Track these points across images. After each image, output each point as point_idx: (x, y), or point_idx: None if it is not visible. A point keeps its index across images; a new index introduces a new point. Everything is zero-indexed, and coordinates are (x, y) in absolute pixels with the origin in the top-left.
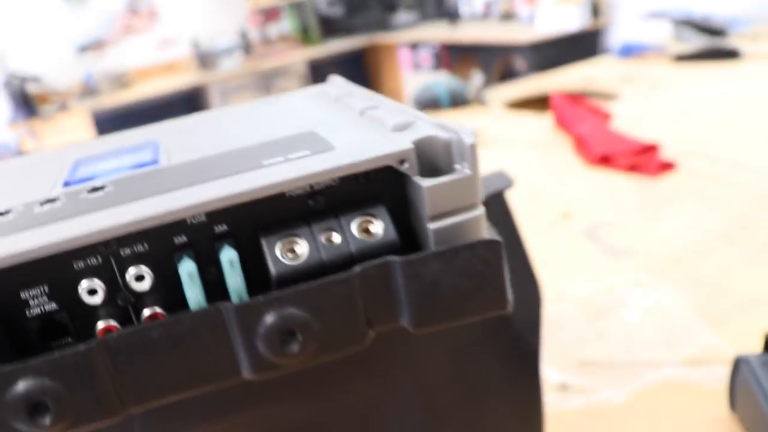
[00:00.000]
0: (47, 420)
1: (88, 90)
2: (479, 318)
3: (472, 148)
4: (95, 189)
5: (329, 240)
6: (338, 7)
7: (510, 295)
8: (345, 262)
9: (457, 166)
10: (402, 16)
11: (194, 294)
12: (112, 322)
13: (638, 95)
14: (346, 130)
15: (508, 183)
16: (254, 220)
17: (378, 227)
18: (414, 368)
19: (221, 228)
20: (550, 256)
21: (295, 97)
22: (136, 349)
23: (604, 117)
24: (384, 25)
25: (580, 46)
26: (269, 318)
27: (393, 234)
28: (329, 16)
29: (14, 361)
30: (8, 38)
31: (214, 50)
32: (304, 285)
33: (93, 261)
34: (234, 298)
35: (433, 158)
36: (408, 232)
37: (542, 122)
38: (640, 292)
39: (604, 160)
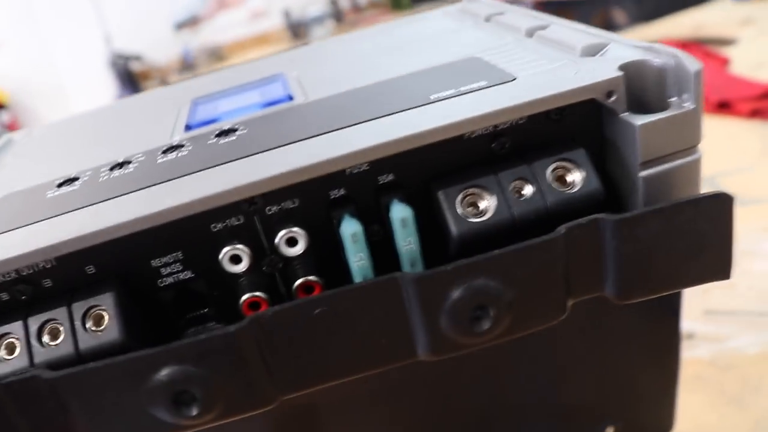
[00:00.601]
0: (193, 410)
1: (186, 65)
2: (694, 286)
3: (698, 75)
4: (224, 132)
5: (518, 192)
6: None
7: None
8: (540, 219)
9: (673, 100)
10: None
11: (359, 260)
12: (259, 294)
13: (761, 37)
14: (518, 55)
15: None
16: (426, 169)
17: (577, 176)
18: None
19: (387, 178)
20: None
21: (431, 18)
22: (294, 328)
23: (721, 62)
24: None
25: None
26: (457, 291)
27: (597, 184)
28: None
29: (153, 343)
30: (113, 21)
31: (305, 19)
32: (498, 251)
33: (234, 221)
34: (405, 264)
35: (640, 89)
36: (603, 182)
37: None
38: None
39: (723, 107)
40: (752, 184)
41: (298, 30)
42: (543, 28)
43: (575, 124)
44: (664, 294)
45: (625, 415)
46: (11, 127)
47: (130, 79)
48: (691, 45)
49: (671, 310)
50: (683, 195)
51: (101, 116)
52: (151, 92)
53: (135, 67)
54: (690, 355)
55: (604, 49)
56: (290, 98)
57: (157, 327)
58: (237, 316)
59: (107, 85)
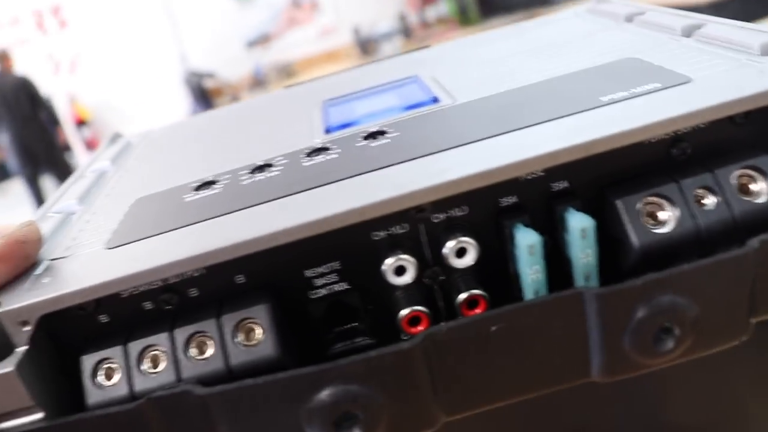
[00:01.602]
0: None
1: (257, 81)
2: None
3: None
4: (373, 135)
5: (700, 202)
6: None
7: None
8: (726, 231)
9: None
10: None
11: (534, 273)
12: (420, 308)
13: None
14: (683, 55)
15: None
16: (601, 175)
17: (763, 185)
18: None
19: (560, 185)
20: None
21: (563, 19)
22: (468, 346)
23: None
24: (544, 1)
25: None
26: (643, 309)
27: None
28: None
29: (301, 359)
30: (188, 40)
31: (374, 36)
32: (688, 265)
33: (398, 230)
34: (579, 278)
35: None
36: None
37: None
38: None
39: None
40: None
41: (367, 46)
42: (699, 26)
43: (759, 129)
44: None
45: None
46: (91, 144)
47: (203, 95)
48: None
49: None
50: None
51: (222, 119)
52: (270, 95)
53: (208, 84)
54: None
55: None
56: (435, 100)
57: (303, 342)
58: (389, 333)
59: (182, 101)
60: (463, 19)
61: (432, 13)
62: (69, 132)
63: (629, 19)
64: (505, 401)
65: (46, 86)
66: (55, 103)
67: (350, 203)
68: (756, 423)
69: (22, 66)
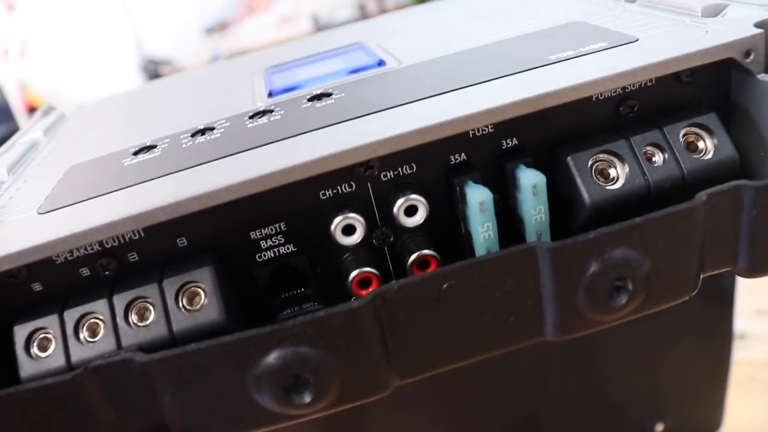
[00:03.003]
0: (305, 397)
1: None
2: None
3: None
4: (318, 96)
5: (649, 159)
6: None
7: None
8: (675, 188)
9: None
10: None
11: (485, 230)
12: (370, 270)
13: None
14: (628, 18)
15: None
16: (551, 133)
17: (709, 142)
18: None
19: (510, 142)
20: None
21: None
22: (420, 304)
23: None
24: None
25: None
26: (596, 263)
27: (732, 150)
28: None
29: (247, 325)
30: (143, 26)
31: (333, 24)
32: (640, 219)
33: (345, 188)
34: (531, 236)
35: None
36: None
37: None
38: None
39: None
40: None
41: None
42: None
43: (704, 88)
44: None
45: (675, 411)
46: None
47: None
48: None
49: (725, 306)
50: None
51: (162, 89)
52: (209, 66)
53: (165, 71)
54: (743, 355)
55: (725, 10)
56: (381, 63)
57: (248, 308)
58: (339, 297)
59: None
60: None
61: (391, 1)
62: (20, 120)
63: None
64: (458, 362)
65: None
66: (5, 89)
67: (294, 159)
68: (693, 390)
69: None
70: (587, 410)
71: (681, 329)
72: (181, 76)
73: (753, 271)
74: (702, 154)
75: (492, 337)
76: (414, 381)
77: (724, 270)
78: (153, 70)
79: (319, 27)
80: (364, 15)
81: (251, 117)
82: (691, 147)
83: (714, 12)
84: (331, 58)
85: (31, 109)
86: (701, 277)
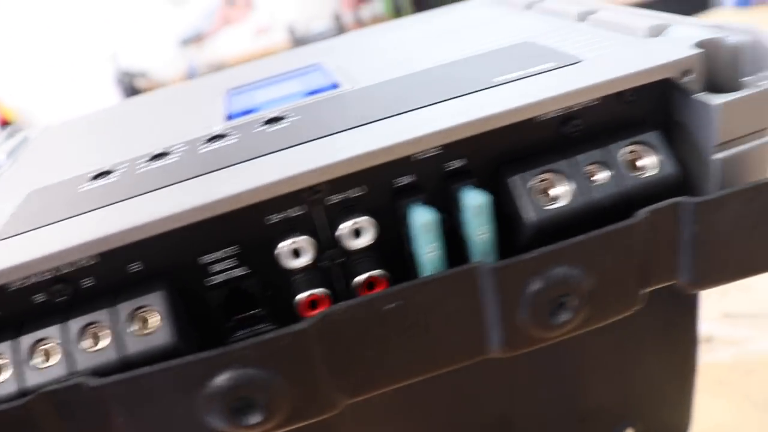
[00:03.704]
0: (253, 418)
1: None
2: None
3: None
4: (272, 120)
5: (591, 176)
6: None
7: None
8: (616, 205)
9: (747, 79)
10: None
11: (430, 251)
12: (318, 291)
13: None
14: (575, 38)
15: None
16: (495, 153)
17: (651, 159)
18: None
19: (455, 164)
20: None
21: (468, 8)
22: (365, 326)
23: None
24: None
25: (691, 2)
26: (537, 281)
27: (674, 167)
28: None
29: (200, 348)
30: (119, 39)
31: (309, 35)
32: (581, 237)
33: (293, 213)
34: (477, 256)
35: (713, 69)
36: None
37: None
38: None
39: None
40: None
41: (302, 45)
42: (593, 12)
43: (645, 107)
44: (730, 282)
45: (644, 416)
46: None
47: (136, 95)
48: None
49: (689, 311)
50: (756, 178)
51: (124, 111)
52: (175, 87)
53: (141, 83)
54: (710, 358)
55: (667, 29)
56: (335, 86)
57: (202, 330)
58: (291, 318)
59: (113, 101)
60: (398, 17)
61: (367, 12)
62: None
63: (529, 6)
64: (405, 381)
65: None
66: None
67: (242, 185)
68: (661, 394)
69: None
70: (558, 417)
71: (647, 335)
72: (148, 97)
73: (695, 285)
74: (645, 172)
75: (437, 355)
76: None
77: (667, 284)
78: (129, 83)
79: (295, 38)
80: (340, 26)
81: (207, 141)
82: (635, 164)
83: (657, 32)
84: (289, 80)
85: (5, 123)
86: (645, 291)
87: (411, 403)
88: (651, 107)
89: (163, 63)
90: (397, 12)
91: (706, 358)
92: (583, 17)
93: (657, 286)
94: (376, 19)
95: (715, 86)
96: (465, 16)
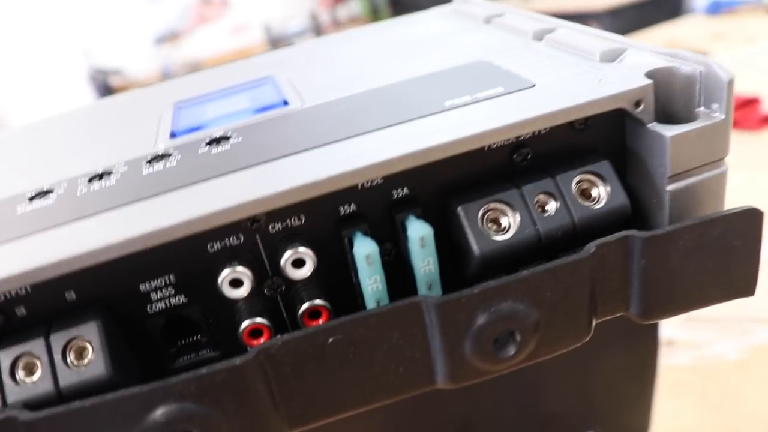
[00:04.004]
0: None
1: (166, 79)
2: (718, 303)
3: (730, 85)
4: (216, 141)
5: (542, 207)
6: None
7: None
8: (566, 236)
9: (701, 110)
10: None
11: (373, 282)
12: (260, 320)
13: (732, 50)
14: (531, 59)
15: None
16: (442, 182)
17: (602, 190)
18: None
19: (401, 192)
20: None
21: (426, 19)
22: (305, 359)
23: None
24: (449, 1)
25: (663, 8)
26: (483, 315)
27: (623, 198)
28: None
29: (140, 376)
30: (92, 36)
31: (286, 34)
32: (527, 272)
33: (233, 241)
34: (422, 287)
35: (666, 98)
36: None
37: None
38: None
39: None
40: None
41: (278, 44)
42: (551, 31)
43: (598, 135)
44: (681, 314)
45: (605, 420)
46: None
47: (110, 93)
48: None
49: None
50: (709, 210)
51: (75, 119)
52: (130, 93)
53: (115, 81)
54: (671, 361)
55: (623, 55)
56: (285, 103)
57: (144, 357)
58: (234, 344)
59: (87, 99)
60: (375, 18)
61: (344, 12)
62: None
63: (488, 20)
64: (348, 412)
65: None
66: None
67: (180, 216)
68: (622, 399)
69: None
70: (519, 422)
71: (609, 340)
72: (97, 106)
73: (645, 317)
74: (595, 202)
75: (382, 387)
76: None
77: (617, 315)
78: (102, 80)
79: (271, 37)
80: (316, 25)
81: (149, 162)
82: (585, 194)
83: (611, 57)
84: (240, 93)
85: None
86: (593, 323)
87: (374, 409)
88: (604, 135)
89: (137, 61)
90: (375, 12)
91: (667, 361)
92: (540, 36)
93: (606, 318)
94: (353, 20)
95: (669, 114)
96: (423, 28)
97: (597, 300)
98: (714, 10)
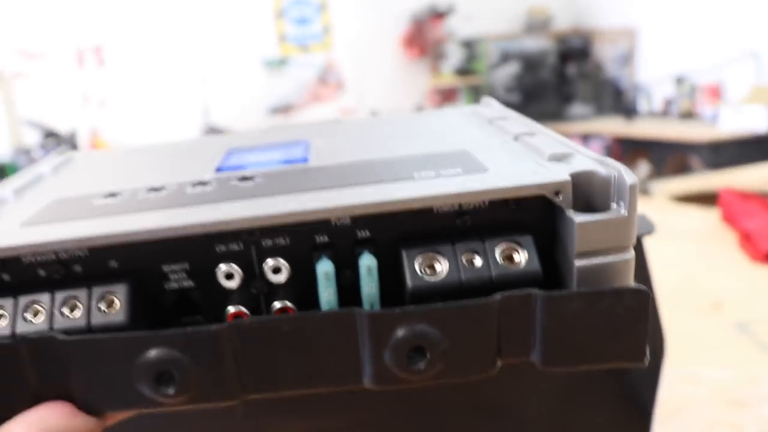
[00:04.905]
0: (171, 389)
1: None
2: (612, 366)
3: (633, 188)
4: (245, 178)
5: (470, 262)
6: (516, 94)
7: (647, 349)
8: (483, 286)
9: (613, 205)
10: (577, 108)
11: (327, 294)
12: (243, 309)
13: None
14: (499, 153)
15: (650, 228)
16: (398, 231)
17: (522, 257)
18: (518, 401)
19: (364, 234)
20: (691, 339)
21: (449, 114)
22: (264, 338)
23: None
24: (559, 116)
25: (764, 146)
26: (401, 331)
27: (536, 266)
28: (506, 101)
29: (148, 329)
30: (213, 96)
31: None
32: (441, 304)
33: (234, 247)
34: (366, 305)
35: (588, 193)
36: (550, 266)
37: (708, 216)
38: None
39: None
40: None
41: None
42: (529, 134)
43: (530, 214)
44: (587, 368)
45: None
46: None
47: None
48: (754, 196)
49: (642, 420)
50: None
51: (152, 151)
52: (208, 137)
53: None
54: None
55: (568, 158)
56: (305, 160)
57: (153, 324)
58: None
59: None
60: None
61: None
62: None
63: (491, 121)
64: (290, 391)
65: (73, 117)
66: (78, 133)
67: (200, 219)
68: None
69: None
70: None
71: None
72: (186, 142)
73: (545, 365)
74: (514, 265)
75: (319, 375)
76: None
77: (521, 359)
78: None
79: None
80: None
81: (193, 185)
82: (509, 258)
83: (558, 158)
84: (278, 149)
85: None
86: (498, 361)
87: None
88: (536, 216)
89: (247, 125)
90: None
91: None
92: (518, 137)
93: (512, 360)
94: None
95: (591, 206)
96: (440, 120)
97: (502, 342)
98: None
